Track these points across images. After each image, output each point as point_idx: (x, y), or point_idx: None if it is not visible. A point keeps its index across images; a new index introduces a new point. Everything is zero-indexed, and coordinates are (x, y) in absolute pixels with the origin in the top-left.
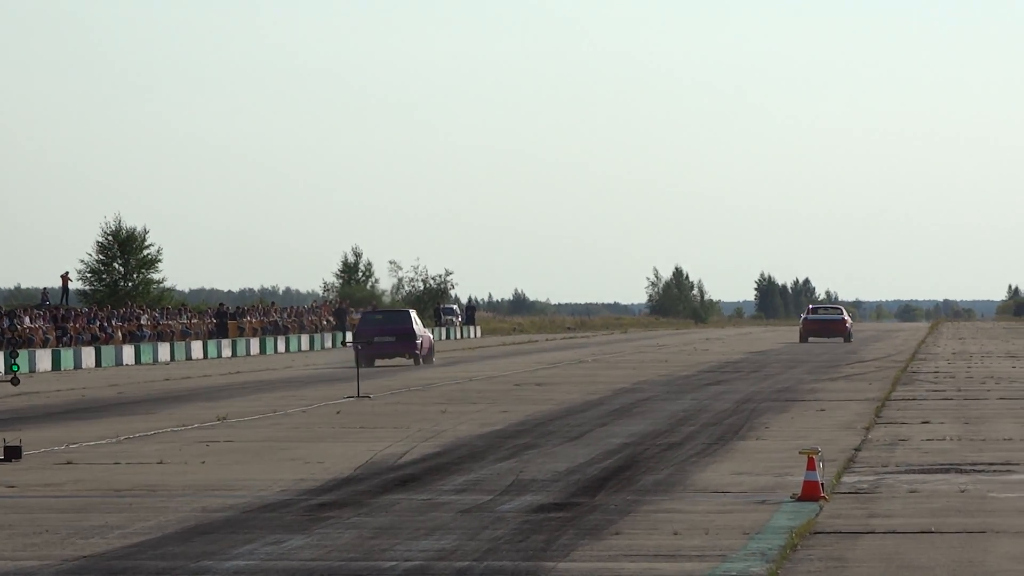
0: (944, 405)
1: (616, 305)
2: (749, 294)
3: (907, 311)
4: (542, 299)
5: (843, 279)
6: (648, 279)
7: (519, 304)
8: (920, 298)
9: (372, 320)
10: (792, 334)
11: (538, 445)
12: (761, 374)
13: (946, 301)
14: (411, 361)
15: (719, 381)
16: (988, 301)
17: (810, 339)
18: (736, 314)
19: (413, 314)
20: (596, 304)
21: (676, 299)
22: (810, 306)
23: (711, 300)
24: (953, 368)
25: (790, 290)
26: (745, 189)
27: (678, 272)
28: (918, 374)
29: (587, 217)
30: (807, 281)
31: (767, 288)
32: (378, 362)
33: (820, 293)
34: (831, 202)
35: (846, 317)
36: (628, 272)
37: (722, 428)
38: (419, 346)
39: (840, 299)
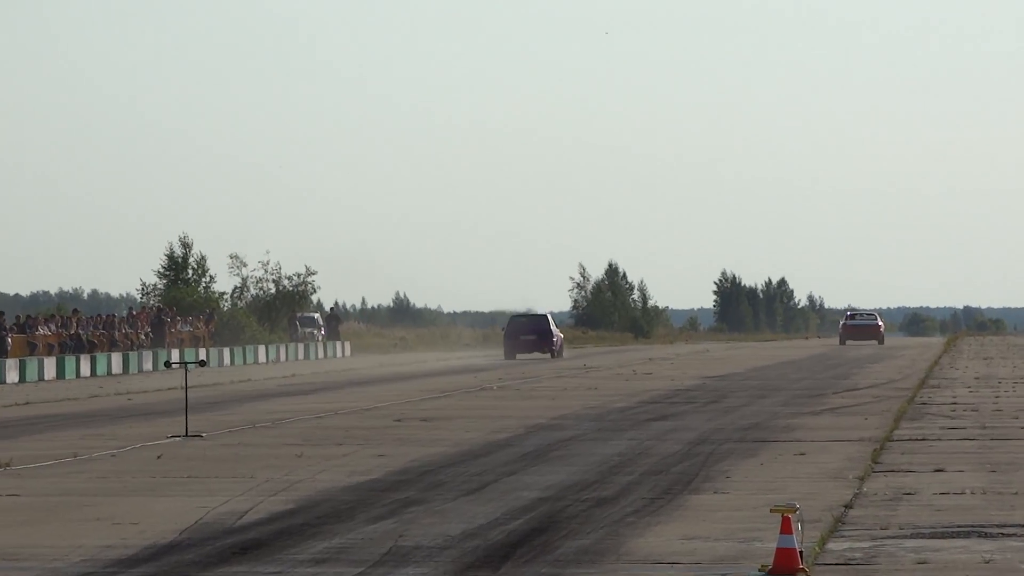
0: (964, 447)
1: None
2: (707, 299)
3: (915, 322)
4: (432, 306)
5: (830, 281)
6: (573, 279)
7: (401, 312)
8: (933, 305)
9: (518, 323)
10: (763, 352)
11: (425, 500)
12: (722, 406)
13: (967, 309)
14: (547, 355)
15: (666, 415)
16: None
17: (848, 342)
18: (689, 325)
19: (550, 317)
20: (504, 313)
21: (610, 305)
22: (848, 312)
23: (657, 307)
24: (976, 398)
25: (760, 294)
26: (700, 166)
27: (612, 270)
28: (929, 406)
29: (490, 200)
30: (783, 282)
31: (730, 292)
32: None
33: (800, 298)
34: (812, 183)
35: (880, 323)
36: (547, 270)
37: (669, 478)
38: (555, 343)
39: (827, 306)
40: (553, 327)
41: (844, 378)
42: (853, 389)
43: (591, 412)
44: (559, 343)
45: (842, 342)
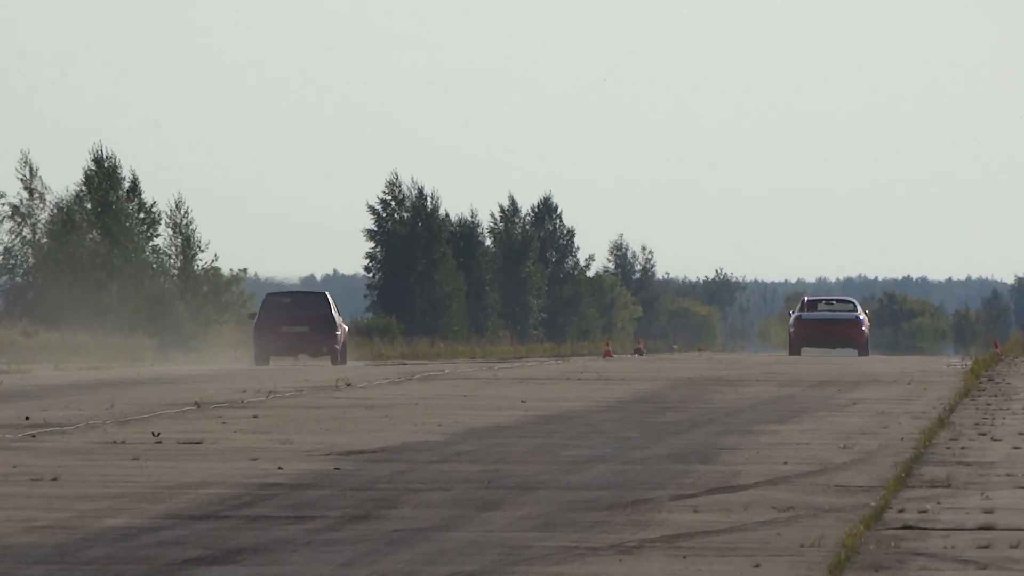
0: None
1: None
2: (353, 250)
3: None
4: None
5: (654, 219)
6: (3, 203)
7: None
8: (886, 276)
9: (278, 306)
10: (488, 392)
11: None
12: (384, 529)
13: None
14: (327, 358)
15: (239, 551)
16: None
17: (804, 350)
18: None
19: (330, 297)
20: None
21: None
22: (805, 298)
23: (235, 275)
24: None
25: (488, 236)
26: None
27: (106, 172)
28: (925, 534)
29: None
30: (547, 207)
31: (393, 232)
32: (275, 360)
33: (587, 252)
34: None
35: (861, 315)
36: None
37: None
38: (338, 339)
39: (670, 275)
40: (335, 312)
41: (705, 460)
42: (724, 488)
43: (45, 545)
44: (343, 338)
45: (794, 350)
